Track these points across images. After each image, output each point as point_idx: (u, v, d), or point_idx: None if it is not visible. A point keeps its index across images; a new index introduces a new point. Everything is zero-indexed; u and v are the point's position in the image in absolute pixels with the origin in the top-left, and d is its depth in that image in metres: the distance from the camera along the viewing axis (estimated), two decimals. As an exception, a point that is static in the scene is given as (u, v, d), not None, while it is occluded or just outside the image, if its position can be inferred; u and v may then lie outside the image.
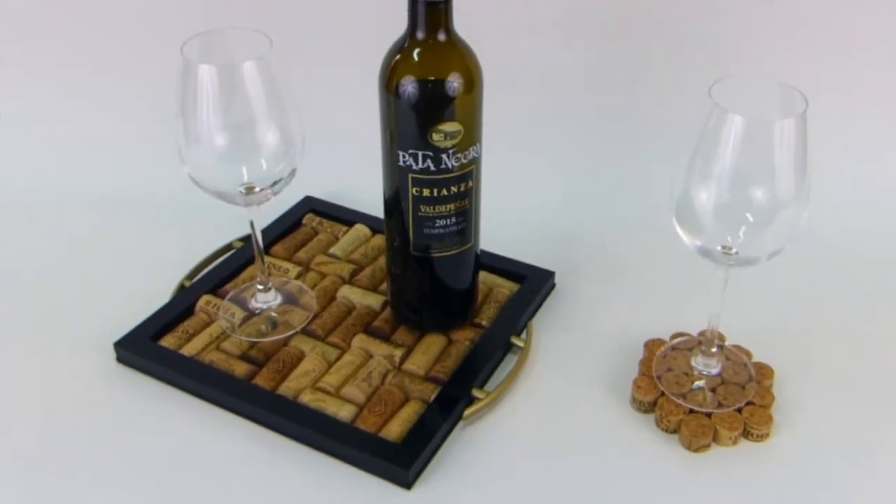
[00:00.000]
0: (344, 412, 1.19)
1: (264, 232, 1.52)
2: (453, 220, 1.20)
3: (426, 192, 1.16)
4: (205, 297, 1.39)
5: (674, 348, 1.29)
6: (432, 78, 1.11)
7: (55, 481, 1.13)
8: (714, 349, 1.24)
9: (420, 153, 1.13)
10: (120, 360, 1.31)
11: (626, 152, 1.63)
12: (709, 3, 1.52)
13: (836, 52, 1.52)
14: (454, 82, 1.11)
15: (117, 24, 1.66)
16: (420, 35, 1.10)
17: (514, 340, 1.32)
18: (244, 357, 1.29)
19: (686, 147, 1.06)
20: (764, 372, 1.25)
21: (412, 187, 1.17)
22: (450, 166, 1.15)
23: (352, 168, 1.61)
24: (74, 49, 1.69)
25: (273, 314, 1.35)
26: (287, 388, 1.23)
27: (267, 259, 1.47)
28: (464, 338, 1.32)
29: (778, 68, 1.51)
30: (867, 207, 1.56)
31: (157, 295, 1.39)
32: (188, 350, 1.29)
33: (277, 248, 1.51)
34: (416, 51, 1.11)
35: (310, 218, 1.58)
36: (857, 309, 1.39)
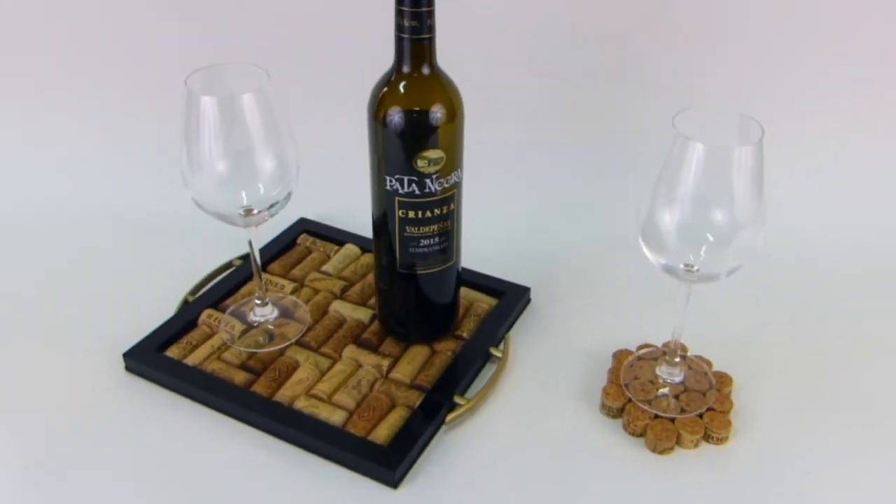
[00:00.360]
0: (335, 417, 1.19)
1: (262, 251, 1.51)
2: (436, 239, 1.20)
3: (411, 214, 1.16)
4: (207, 311, 1.38)
5: (640, 358, 1.29)
6: (417, 108, 1.11)
7: (67, 482, 1.12)
8: (677, 359, 1.24)
9: (406, 178, 1.13)
10: (128, 369, 1.30)
11: (596, 177, 1.63)
12: (672, 41, 1.52)
13: (791, 85, 1.53)
14: (437, 112, 1.11)
15: (128, 60, 1.66)
16: (406, 69, 1.10)
17: (493, 351, 1.32)
18: (243, 366, 1.29)
19: (652, 173, 1.06)
20: (723, 380, 1.25)
21: (398, 210, 1.16)
22: (433, 190, 1.14)
23: (343, 192, 1.60)
24: (91, 84, 1.69)
25: (270, 327, 1.35)
26: (283, 395, 1.23)
27: (264, 276, 1.47)
28: (446, 349, 1.31)
29: (736, 100, 1.51)
30: (819, 228, 1.57)
31: (163, 309, 1.39)
32: (191, 360, 1.29)
33: (274, 266, 1.50)
34: (402, 83, 1.11)
35: (304, 238, 1.58)
36: (809, 322, 1.39)
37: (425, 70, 1.11)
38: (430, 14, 1.07)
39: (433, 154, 1.12)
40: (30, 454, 1.16)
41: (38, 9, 1.63)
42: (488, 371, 1.31)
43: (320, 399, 1.22)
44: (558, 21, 1.54)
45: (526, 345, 1.36)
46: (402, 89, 1.11)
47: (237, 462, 1.16)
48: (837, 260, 1.53)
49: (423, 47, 1.09)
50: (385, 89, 1.12)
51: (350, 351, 1.31)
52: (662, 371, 1.25)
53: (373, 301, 1.39)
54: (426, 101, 1.11)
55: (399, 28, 1.08)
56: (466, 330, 1.35)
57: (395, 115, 1.10)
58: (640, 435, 1.19)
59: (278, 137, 1.17)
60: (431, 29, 1.08)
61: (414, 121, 1.11)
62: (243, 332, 1.34)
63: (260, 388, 1.24)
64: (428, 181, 1.14)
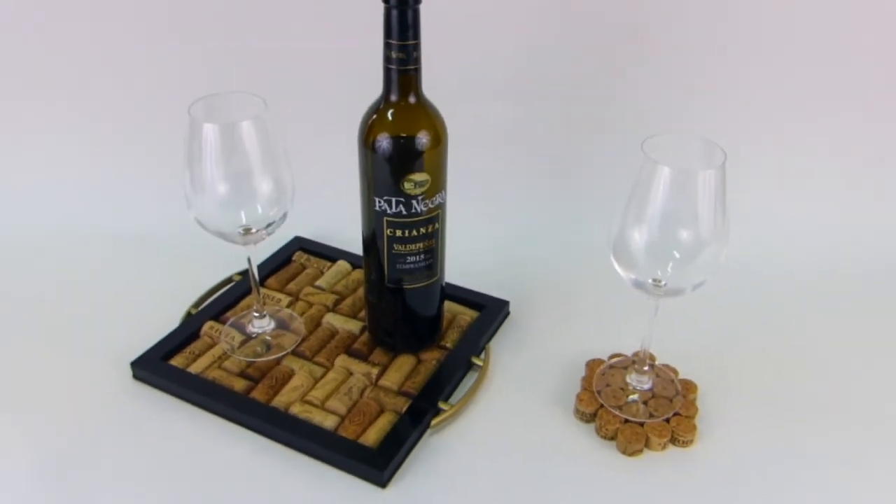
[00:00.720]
0: (328, 422, 1.18)
1: (260, 267, 1.51)
2: (422, 256, 1.19)
3: (399, 233, 1.16)
4: (209, 323, 1.37)
5: (611, 367, 1.28)
6: (404, 135, 1.11)
7: (78, 480, 1.12)
8: (646, 367, 1.23)
9: (393, 199, 1.13)
10: (136, 377, 1.30)
11: (570, 198, 1.63)
12: (642, 73, 1.53)
13: (751, 113, 1.54)
14: (423, 138, 1.11)
15: (137, 91, 1.65)
16: (393, 98, 1.10)
17: (475, 360, 1.31)
18: (242, 374, 1.28)
19: (622, 194, 1.06)
20: (689, 387, 1.25)
21: (387, 229, 1.16)
22: (419, 210, 1.14)
23: (335, 212, 1.61)
24: (106, 116, 1.69)
25: (267, 338, 1.34)
26: (279, 401, 1.22)
27: (262, 290, 1.46)
28: (431, 358, 1.31)
29: (701, 126, 1.52)
30: (776, 245, 1.57)
31: (168, 321, 1.38)
32: (194, 368, 1.28)
33: (271, 281, 1.50)
34: (390, 111, 1.11)
35: (299, 255, 1.57)
36: (768, 332, 1.39)
37: (412, 99, 1.11)
38: (416, 47, 1.07)
39: (419, 177, 1.12)
40: (43, 455, 1.16)
41: (49, 37, 1.63)
42: (470, 379, 1.31)
43: (314, 405, 1.22)
44: (535, 53, 1.55)
45: (505, 354, 1.35)
46: (389, 117, 1.11)
47: (236, 463, 1.15)
48: (793, 274, 1.54)
49: (410, 78, 1.09)
50: (374, 117, 1.12)
51: (342, 360, 1.30)
52: (632, 379, 1.24)
53: (363, 314, 1.39)
54: (412, 128, 1.11)
55: (387, 60, 1.08)
56: (450, 340, 1.34)
57: (384, 141, 1.10)
58: (612, 438, 1.19)
59: (275, 162, 1.17)
60: (417, 61, 1.08)
61: (401, 146, 1.11)
62: (242, 343, 1.33)
63: (258, 394, 1.23)
64: (414, 202, 1.13)
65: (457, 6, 1.49)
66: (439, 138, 1.13)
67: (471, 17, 1.52)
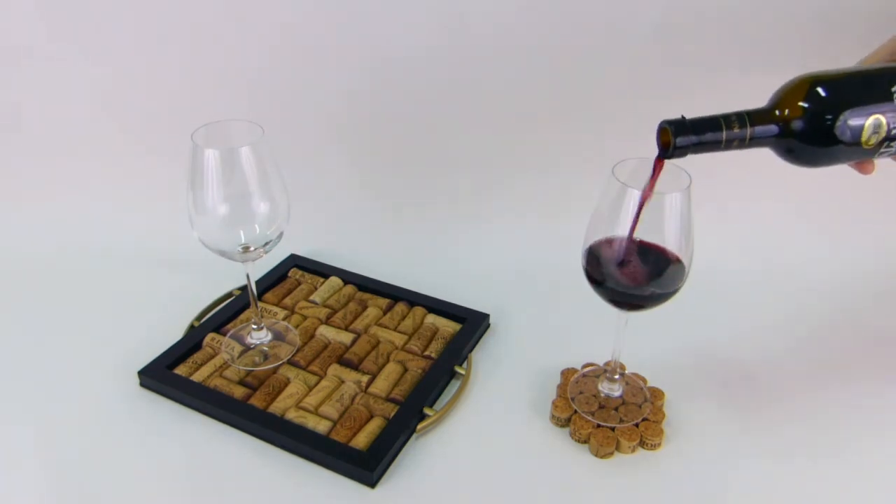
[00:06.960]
0: (321, 426, 1.17)
1: (257, 282, 1.50)
2: None
3: None
4: (210, 335, 1.37)
5: (584, 375, 1.28)
6: None
7: (90, 480, 1.12)
8: (616, 376, 1.23)
9: None
10: (142, 385, 1.29)
11: (546, 221, 1.63)
12: (616, 100, 1.53)
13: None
14: None
15: (145, 120, 1.65)
16: None
17: (457, 369, 1.31)
18: (241, 382, 1.27)
19: (594, 214, 1.05)
20: (656, 394, 1.24)
21: None
22: None
23: (328, 231, 1.61)
24: (117, 143, 1.68)
25: (265, 348, 1.33)
26: (276, 408, 1.21)
27: (260, 304, 1.45)
28: (417, 367, 1.30)
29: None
30: (738, 262, 1.57)
31: (173, 333, 1.38)
32: (197, 377, 1.28)
33: (268, 296, 1.49)
34: None
35: (294, 271, 1.57)
36: (731, 343, 1.39)
37: None
38: None
39: None
40: (56, 457, 1.16)
41: (69, 72, 1.62)
42: (453, 386, 1.30)
43: (308, 411, 1.21)
44: (515, 85, 1.54)
45: (486, 363, 1.35)
46: None
47: (236, 465, 1.15)
48: (753, 288, 1.54)
49: None
50: None
51: (334, 369, 1.30)
52: (604, 386, 1.24)
53: (354, 325, 1.39)
54: None
55: None
56: (434, 351, 1.34)
57: None
58: (585, 441, 1.18)
59: (271, 184, 1.17)
60: None
61: None
62: (242, 353, 1.32)
63: (256, 401, 1.23)
64: None
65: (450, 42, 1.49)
66: None
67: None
